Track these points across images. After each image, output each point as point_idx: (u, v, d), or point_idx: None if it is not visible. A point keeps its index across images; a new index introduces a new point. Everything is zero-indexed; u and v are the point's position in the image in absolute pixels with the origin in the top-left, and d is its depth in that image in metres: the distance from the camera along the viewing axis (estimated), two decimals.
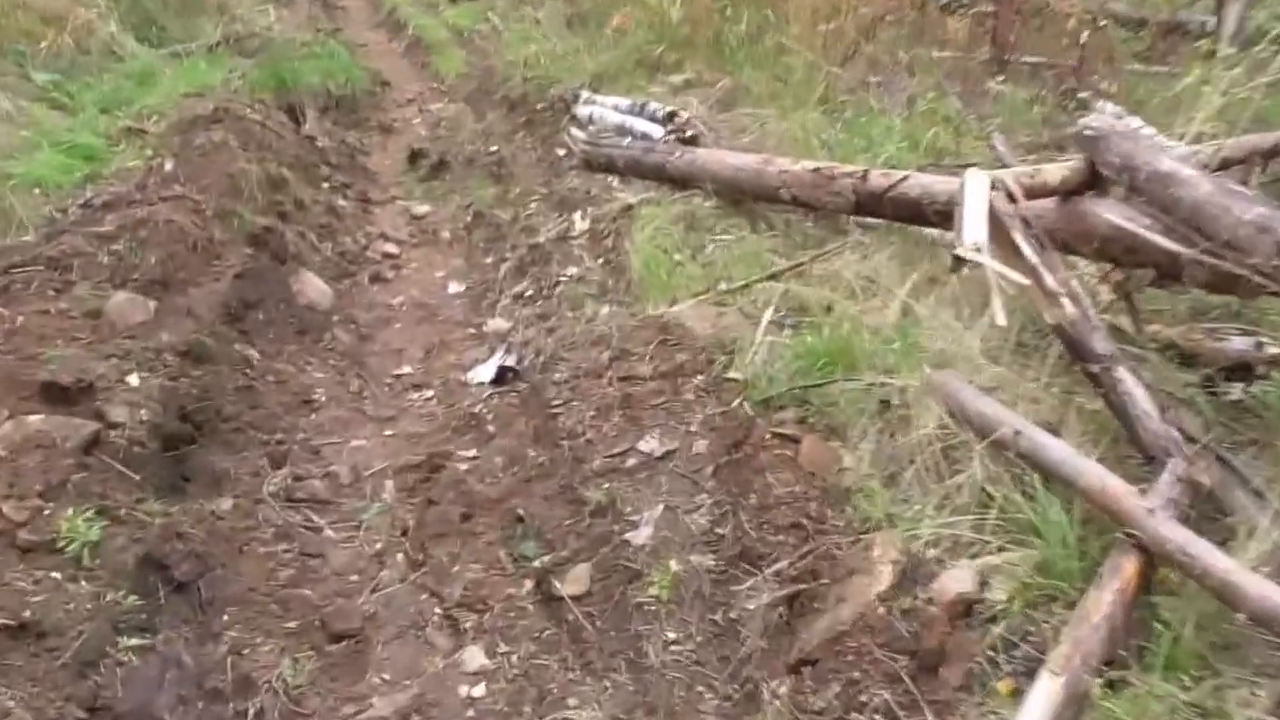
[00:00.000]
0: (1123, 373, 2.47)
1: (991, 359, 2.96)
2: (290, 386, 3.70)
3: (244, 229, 4.42)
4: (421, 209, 5.86)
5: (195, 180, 4.67)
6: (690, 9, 6.64)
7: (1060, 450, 2.28)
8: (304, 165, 5.87)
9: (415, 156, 6.98)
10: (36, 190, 4.65)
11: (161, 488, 2.89)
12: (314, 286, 4.38)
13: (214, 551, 2.79)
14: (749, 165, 4.18)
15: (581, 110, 5.72)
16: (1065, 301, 2.53)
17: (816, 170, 3.84)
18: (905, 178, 3.47)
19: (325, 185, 6.01)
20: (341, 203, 5.74)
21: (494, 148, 6.69)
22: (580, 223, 4.61)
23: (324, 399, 3.71)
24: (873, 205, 3.61)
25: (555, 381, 3.34)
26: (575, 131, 5.48)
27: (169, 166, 4.74)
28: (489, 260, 4.98)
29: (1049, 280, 2.55)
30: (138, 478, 2.80)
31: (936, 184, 3.36)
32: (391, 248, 5.19)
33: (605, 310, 3.89)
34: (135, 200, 4.41)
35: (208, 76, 7.20)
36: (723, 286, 3.67)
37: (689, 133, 5.08)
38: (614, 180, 5.09)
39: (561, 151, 5.85)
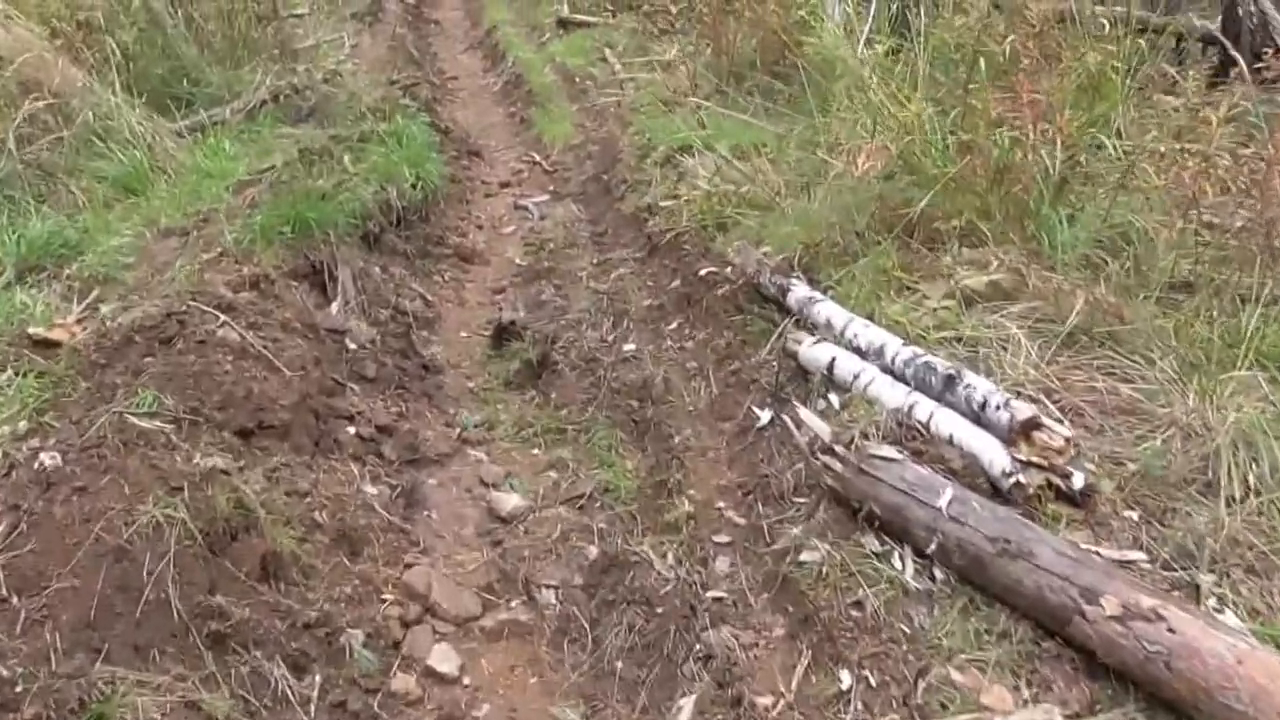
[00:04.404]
0: None
1: None
2: None
3: None
4: (509, 501, 3.27)
5: (41, 578, 2.20)
6: (966, 126, 3.90)
7: None
8: (311, 401, 3.35)
9: (502, 335, 4.44)
10: None
11: None
12: None
13: None
14: None
15: (813, 353, 3.05)
16: None
17: None
18: None
19: (351, 431, 3.48)
20: (369, 490, 3.20)
21: (630, 345, 4.09)
22: None
23: None
24: None
25: None
26: (807, 415, 2.80)
27: None
28: None
29: None
30: None
31: None
32: (442, 657, 2.62)
33: None
34: None
35: (224, 170, 4.97)
36: None
37: (1074, 478, 2.39)
38: (908, 568, 2.42)
39: (763, 415, 3.22)
